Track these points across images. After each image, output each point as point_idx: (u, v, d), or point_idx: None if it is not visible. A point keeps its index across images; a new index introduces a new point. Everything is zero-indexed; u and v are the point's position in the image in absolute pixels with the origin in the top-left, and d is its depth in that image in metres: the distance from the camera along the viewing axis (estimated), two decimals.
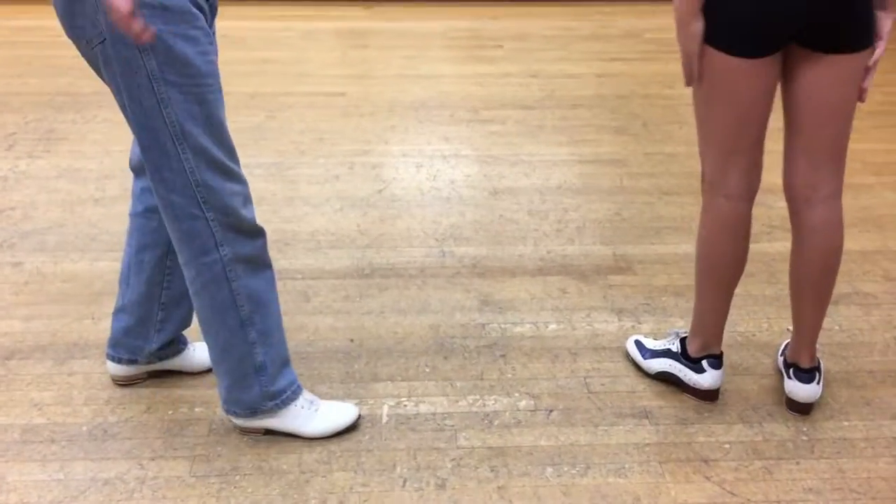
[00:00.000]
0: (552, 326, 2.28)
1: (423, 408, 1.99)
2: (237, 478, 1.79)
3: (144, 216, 1.88)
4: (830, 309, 2.34)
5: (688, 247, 2.65)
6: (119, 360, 2.00)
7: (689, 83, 1.76)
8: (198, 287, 1.72)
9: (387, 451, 1.86)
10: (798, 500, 1.74)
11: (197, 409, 1.97)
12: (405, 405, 2.00)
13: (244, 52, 4.36)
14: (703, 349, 1.99)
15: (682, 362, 2.02)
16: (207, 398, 2.00)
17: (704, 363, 1.99)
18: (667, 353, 2.06)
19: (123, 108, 1.59)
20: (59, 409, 1.96)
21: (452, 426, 1.93)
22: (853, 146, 3.36)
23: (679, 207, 2.90)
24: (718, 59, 1.69)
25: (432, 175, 3.12)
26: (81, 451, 1.84)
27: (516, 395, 2.03)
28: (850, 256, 2.60)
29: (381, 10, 5.27)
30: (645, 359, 2.09)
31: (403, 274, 2.51)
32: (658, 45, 4.62)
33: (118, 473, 1.79)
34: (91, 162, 3.17)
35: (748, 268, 2.52)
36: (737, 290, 2.42)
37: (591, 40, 4.70)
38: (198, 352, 2.07)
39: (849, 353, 2.17)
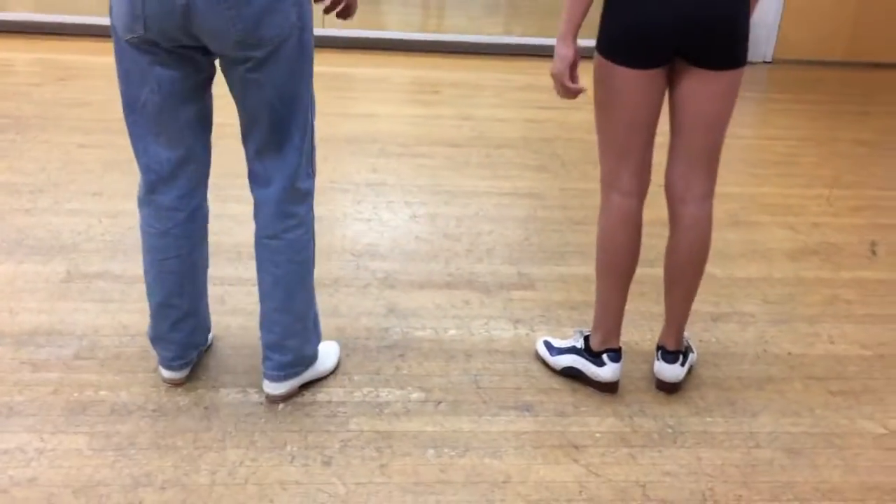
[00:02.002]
0: (451, 332, 2.42)
1: (319, 397, 2.11)
2: (132, 451, 1.88)
3: (189, 221, 1.97)
4: (710, 325, 2.53)
5: (588, 269, 2.83)
6: (190, 363, 2.13)
7: (560, 95, 1.96)
8: (300, 245, 1.96)
9: (280, 432, 1.97)
10: (655, 481, 1.88)
11: (102, 392, 2.07)
12: (303, 394, 2.11)
13: None
14: (603, 343, 2.16)
15: (585, 357, 2.19)
16: (113, 383, 2.10)
17: (605, 357, 2.16)
18: (571, 350, 2.23)
19: (283, 88, 1.79)
20: None
21: (345, 413, 2.05)
22: (753, 190, 3.62)
23: (585, 235, 3.09)
24: (611, 69, 1.91)
25: (357, 200, 3.28)
26: None
27: (409, 388, 2.16)
28: (735, 282, 2.80)
29: (325, 56, 5.49)
30: (552, 356, 2.26)
31: (318, 283, 2.62)
32: (585, 98, 4.88)
33: (18, 445, 1.87)
34: (26, 177, 3.28)
35: (640, 288, 2.70)
36: (627, 307, 2.59)
37: (525, 90, 4.96)
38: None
39: (721, 361, 2.35)
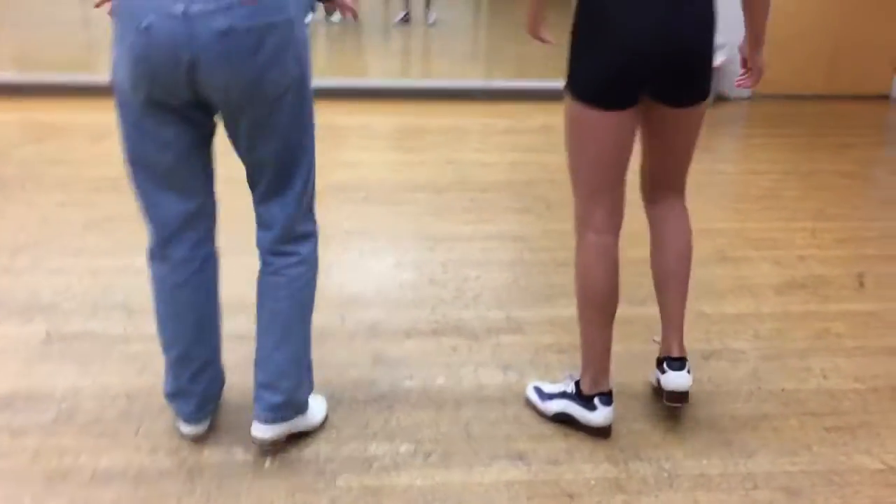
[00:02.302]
0: (440, 380, 2.38)
1: (306, 453, 2.06)
2: None
3: (202, 271, 2.00)
4: (700, 363, 2.50)
5: (575, 310, 2.79)
6: (208, 415, 2.11)
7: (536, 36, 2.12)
8: (301, 283, 1.99)
9: (265, 490, 1.92)
10: None
11: (82, 458, 2.01)
12: (289, 451, 2.06)
13: None
14: (593, 386, 2.13)
15: (576, 402, 2.16)
16: (94, 447, 2.04)
17: (596, 401, 2.12)
18: (563, 395, 2.19)
19: (287, 132, 1.83)
20: None
21: (333, 469, 2.00)
22: (738, 225, 3.61)
23: (571, 276, 3.05)
24: (581, 111, 1.95)
25: (343, 248, 3.26)
26: None
27: (398, 440, 2.11)
28: (725, 318, 2.78)
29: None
30: (542, 402, 2.22)
31: None
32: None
33: None
34: (5, 236, 3.24)
35: (630, 328, 2.68)
36: (617, 349, 2.56)
37: (508, 134, 4.98)
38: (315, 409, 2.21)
39: (714, 400, 2.31)
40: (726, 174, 4.33)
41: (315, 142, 1.96)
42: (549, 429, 2.17)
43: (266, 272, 2.00)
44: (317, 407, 2.17)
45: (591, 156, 1.97)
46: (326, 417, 2.19)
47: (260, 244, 2.00)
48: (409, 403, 2.27)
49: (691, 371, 2.16)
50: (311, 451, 2.06)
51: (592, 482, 1.97)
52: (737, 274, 3.13)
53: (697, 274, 3.09)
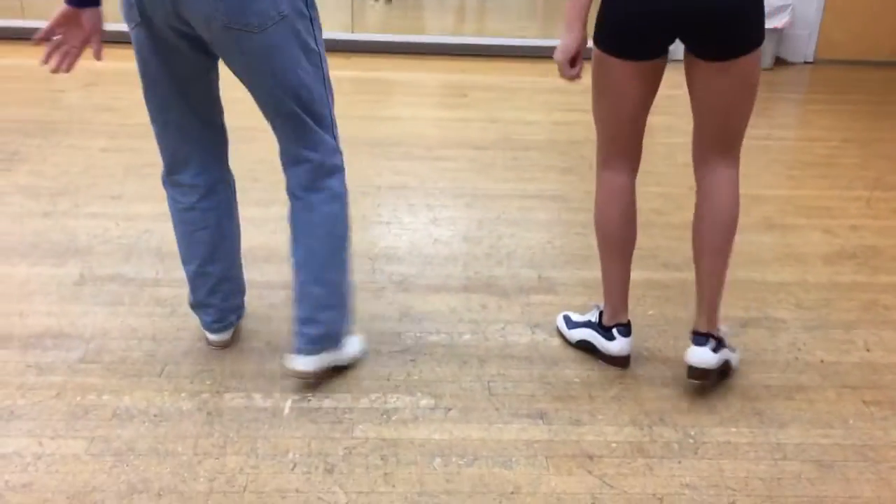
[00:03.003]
0: (466, 337, 2.34)
1: (325, 403, 2.04)
2: (131, 457, 1.83)
3: (210, 195, 2.07)
4: (739, 330, 2.41)
5: None
6: (230, 325, 2.23)
7: (562, 75, 1.99)
8: (335, 219, 1.99)
9: (282, 438, 1.91)
10: (674, 493, 1.78)
11: (104, 397, 2.02)
12: (309, 400, 2.05)
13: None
14: (612, 318, 2.19)
15: (597, 331, 2.23)
16: (117, 387, 2.06)
17: (614, 331, 2.19)
18: (587, 324, 2.27)
19: (284, 73, 1.81)
20: None
21: (351, 419, 1.98)
22: (790, 192, 3.48)
23: None
24: (604, 60, 1.96)
25: (377, 203, 3.22)
26: None
27: (419, 394, 2.09)
28: (767, 286, 2.68)
29: (359, 62, 5.47)
30: (568, 329, 2.31)
31: None
32: None
33: (16, 449, 1.84)
34: (47, 181, 3.28)
35: (665, 292, 2.60)
36: (651, 312, 2.49)
37: (553, 93, 4.87)
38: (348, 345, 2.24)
39: (749, 369, 2.23)
40: (782, 140, 4.17)
41: (329, 79, 1.97)
42: (573, 390, 2.12)
43: (298, 209, 2.00)
44: (352, 344, 2.18)
45: (609, 102, 2.00)
46: (364, 351, 2.23)
47: (290, 182, 2.00)
48: (432, 358, 2.23)
49: (720, 350, 2.07)
50: (330, 401, 2.05)
51: (614, 445, 1.92)
52: (784, 242, 3.01)
53: (741, 240, 2.98)
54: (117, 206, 3.07)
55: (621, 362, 2.20)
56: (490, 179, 3.50)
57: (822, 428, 2.00)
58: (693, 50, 1.89)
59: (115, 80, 4.62)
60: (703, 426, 1.99)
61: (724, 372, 2.16)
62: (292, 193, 2.00)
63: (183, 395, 2.05)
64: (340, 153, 2.02)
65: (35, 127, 3.86)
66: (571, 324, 2.30)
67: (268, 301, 2.48)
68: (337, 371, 2.15)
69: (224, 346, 2.24)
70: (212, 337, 2.23)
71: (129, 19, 1.83)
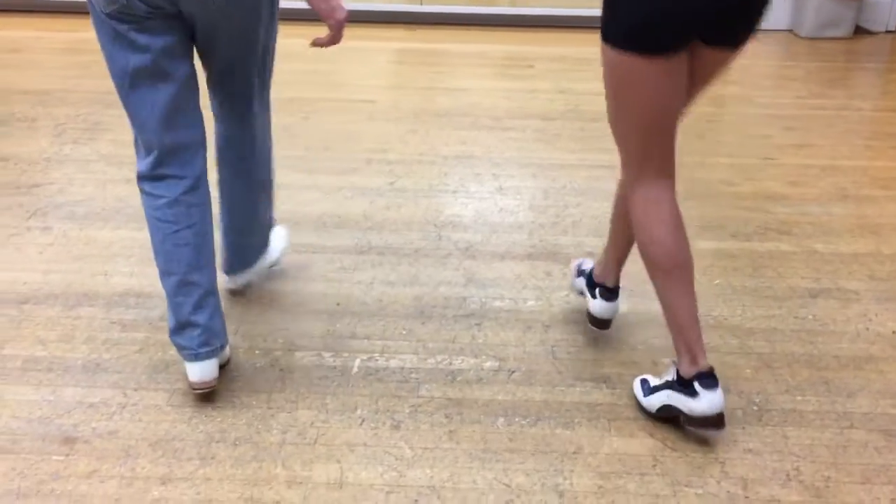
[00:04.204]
0: (530, 303, 2.37)
1: (392, 363, 2.10)
2: (209, 409, 1.92)
3: (195, 189, 1.93)
4: (808, 301, 2.38)
5: None
6: (217, 351, 1.95)
7: None
8: (262, 164, 2.22)
9: (351, 395, 1.98)
10: (736, 457, 1.78)
11: None
12: (376, 360, 2.11)
13: (290, 64, 4.59)
14: (692, 366, 1.82)
15: (677, 390, 1.85)
16: None
17: (696, 385, 1.80)
18: (666, 385, 1.89)
19: (254, 36, 1.93)
20: (60, 345, 2.14)
21: (417, 379, 2.04)
22: (866, 163, 3.39)
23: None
24: (623, 60, 1.67)
25: (443, 172, 3.26)
26: (73, 380, 2.01)
27: (483, 357, 2.13)
28: (840, 258, 2.63)
29: (422, 33, 5.49)
30: (645, 396, 1.93)
31: (398, 252, 2.64)
32: None
33: (103, 399, 1.95)
34: (129, 149, 3.40)
35: (733, 262, 2.58)
36: (718, 281, 2.48)
37: None
38: None
39: (817, 339, 2.21)
40: (860, 111, 4.04)
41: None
42: (636, 356, 2.13)
43: (226, 157, 2.15)
44: (276, 240, 2.46)
45: (640, 109, 1.72)
46: (286, 247, 2.51)
47: (220, 132, 2.13)
48: (497, 322, 2.27)
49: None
50: (396, 361, 2.11)
51: None
52: (858, 213, 2.94)
53: (813, 211, 2.93)
54: None
55: (715, 423, 1.79)
56: (557, 150, 3.50)
57: (891, 398, 1.97)
58: (712, 38, 1.67)
59: None
60: (767, 394, 1.99)
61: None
62: (221, 141, 2.14)
63: (257, 352, 2.13)
64: (267, 106, 2.20)
65: (116, 98, 3.99)
66: (648, 389, 1.92)
67: (338, 265, 2.55)
68: (406, 333, 2.20)
69: (210, 387, 1.92)
70: (196, 373, 1.91)
71: (108, 2, 1.72)
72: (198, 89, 1.93)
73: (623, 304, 2.36)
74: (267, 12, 1.95)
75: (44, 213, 2.85)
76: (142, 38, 1.76)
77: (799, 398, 1.97)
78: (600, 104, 4.08)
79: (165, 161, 1.89)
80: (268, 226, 2.36)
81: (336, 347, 2.15)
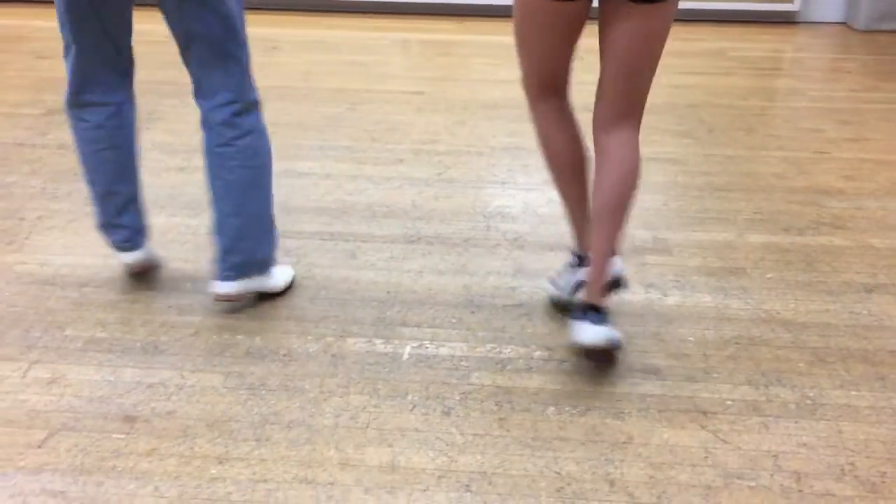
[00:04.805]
0: (579, 295, 2.37)
1: (442, 351, 2.12)
2: (263, 392, 1.96)
3: (117, 115, 2.18)
4: (863, 296, 2.34)
5: (728, 235, 2.69)
6: (140, 244, 2.33)
7: None
8: (254, 151, 2.13)
9: (402, 382, 2.00)
10: (789, 452, 1.77)
11: (238, 336, 2.17)
12: (426, 347, 2.13)
13: (336, 56, 4.65)
14: (586, 248, 2.07)
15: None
16: (249, 329, 2.20)
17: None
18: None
19: (225, 18, 1.99)
20: (119, 327, 2.20)
21: (467, 367, 2.06)
22: None
23: (728, 202, 2.94)
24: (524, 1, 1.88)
25: (492, 163, 3.27)
26: (132, 361, 2.06)
27: (532, 346, 2.14)
28: (894, 253, 2.59)
29: (471, 25, 5.49)
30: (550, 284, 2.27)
31: (447, 242, 2.66)
32: (739, 62, 4.64)
33: (161, 380, 2.00)
34: (182, 138, 3.47)
35: (785, 256, 2.55)
36: (771, 276, 2.45)
37: (673, 56, 4.76)
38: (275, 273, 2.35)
39: (872, 334, 2.17)
40: None
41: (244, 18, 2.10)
42: (687, 348, 2.12)
43: (215, 143, 2.12)
44: (281, 273, 2.33)
45: (535, 44, 1.93)
46: (291, 284, 2.37)
47: (205, 117, 2.13)
48: (546, 313, 2.28)
49: (609, 320, 1.98)
50: (446, 349, 2.12)
51: (729, 402, 1.92)
52: None
53: (869, 206, 2.88)
54: None
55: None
56: None
57: None
58: None
59: None
60: (821, 388, 1.97)
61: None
62: (208, 128, 2.12)
63: (309, 338, 2.17)
64: (257, 90, 2.15)
65: (170, 88, 4.07)
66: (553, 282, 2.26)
67: (387, 254, 2.58)
68: (456, 321, 2.22)
69: (143, 269, 2.34)
70: (125, 257, 2.31)
71: None
72: (127, 28, 2.12)
73: (672, 296, 2.36)
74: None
75: None
76: None
77: (853, 393, 1.95)
78: (650, 96, 4.06)
79: (85, 89, 2.12)
80: (267, 228, 2.25)
81: (387, 334, 2.18)
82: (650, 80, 1.94)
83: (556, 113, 2.06)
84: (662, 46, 1.88)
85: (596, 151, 2.00)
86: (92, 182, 2.23)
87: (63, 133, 3.47)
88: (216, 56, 2.04)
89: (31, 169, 3.12)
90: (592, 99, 2.02)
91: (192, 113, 3.82)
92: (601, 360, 2.01)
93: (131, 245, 2.30)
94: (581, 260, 2.15)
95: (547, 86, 2.03)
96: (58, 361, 2.05)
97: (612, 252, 1.97)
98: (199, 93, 2.13)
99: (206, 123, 2.13)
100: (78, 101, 2.14)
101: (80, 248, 2.58)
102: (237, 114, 2.10)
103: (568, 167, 2.08)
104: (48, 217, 2.77)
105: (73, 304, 2.29)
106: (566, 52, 1.96)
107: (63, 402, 1.92)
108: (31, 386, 1.97)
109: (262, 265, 2.24)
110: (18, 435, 1.82)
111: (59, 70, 4.06)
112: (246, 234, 2.18)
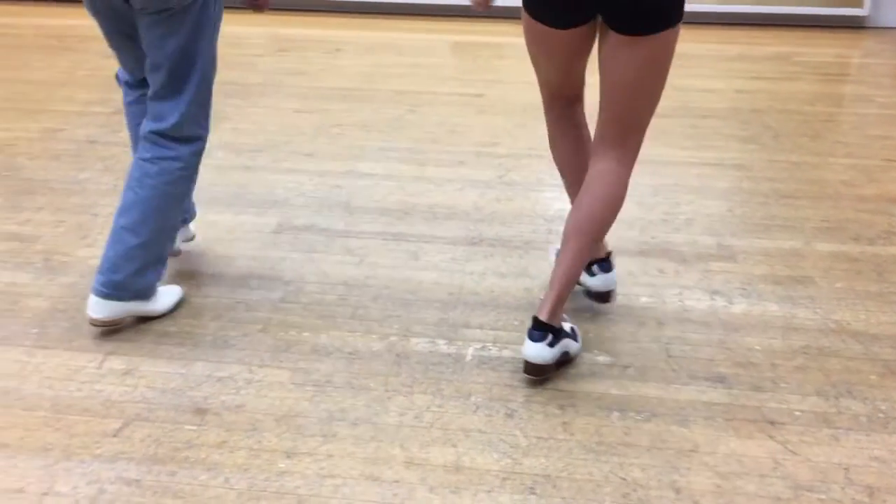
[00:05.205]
0: (643, 299, 2.36)
1: (505, 353, 2.13)
2: (329, 389, 1.99)
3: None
4: None
5: (796, 243, 2.65)
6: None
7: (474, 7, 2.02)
8: (174, 177, 2.14)
9: (465, 383, 2.02)
10: (861, 465, 1.74)
11: (304, 334, 2.20)
12: (489, 349, 2.14)
13: (396, 58, 4.69)
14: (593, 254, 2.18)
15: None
16: (314, 326, 2.23)
17: (595, 267, 2.22)
18: None
19: (185, 46, 2.07)
20: (189, 321, 2.25)
21: None
22: None
23: (794, 209, 2.89)
24: (526, 19, 1.95)
25: (552, 166, 3.25)
26: (203, 355, 2.11)
27: (596, 351, 2.13)
28: None
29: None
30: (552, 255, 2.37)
31: (509, 245, 2.66)
32: (805, 67, 4.56)
33: (230, 374, 2.04)
34: (246, 137, 3.54)
35: (855, 265, 2.50)
36: (839, 286, 2.41)
37: (736, 60, 4.70)
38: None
39: None
40: None
41: (215, 55, 2.19)
42: (754, 357, 2.10)
43: (141, 157, 2.15)
44: (167, 296, 2.27)
45: (540, 62, 2.02)
46: (177, 305, 2.30)
47: (143, 130, 2.16)
48: (609, 318, 2.27)
49: (557, 342, 1.97)
50: (509, 351, 2.13)
51: (797, 413, 1.89)
52: None
53: None
54: (309, 163, 3.28)
55: (603, 297, 2.23)
56: (667, 146, 3.45)
57: None
58: (607, 20, 1.84)
59: (304, 47, 4.89)
60: (894, 401, 1.93)
61: (562, 362, 2.04)
62: (142, 141, 2.15)
63: (373, 336, 2.20)
64: (206, 128, 2.21)
65: (234, 88, 4.15)
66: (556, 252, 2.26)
67: (449, 255, 2.60)
68: (518, 324, 2.23)
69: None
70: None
71: None
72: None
73: (738, 304, 2.33)
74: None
75: None
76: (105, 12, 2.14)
77: None
78: (710, 101, 4.04)
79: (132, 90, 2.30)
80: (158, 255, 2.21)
81: (450, 335, 2.19)
82: (645, 112, 1.94)
83: (565, 121, 2.14)
84: (659, 77, 1.89)
85: (587, 175, 2.03)
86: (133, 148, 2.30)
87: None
88: (172, 85, 2.12)
89: (103, 166, 3.21)
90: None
91: (255, 113, 3.91)
92: (536, 375, 1.98)
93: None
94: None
95: (557, 97, 2.11)
96: (132, 353, 2.11)
97: (575, 273, 1.97)
98: (149, 114, 2.18)
99: (142, 136, 2.18)
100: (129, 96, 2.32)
101: None
102: (172, 138, 2.15)
103: (568, 171, 2.17)
104: None
105: None
106: (574, 69, 2.03)
107: (137, 392, 1.97)
108: (107, 376, 2.03)
109: (142, 293, 2.17)
110: (95, 424, 1.87)
111: None
112: (134, 255, 2.11)
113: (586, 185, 1.99)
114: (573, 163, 2.16)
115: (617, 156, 1.97)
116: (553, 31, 1.90)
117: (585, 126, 2.15)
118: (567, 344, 2.03)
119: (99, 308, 2.13)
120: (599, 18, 1.88)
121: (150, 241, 2.14)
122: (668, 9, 1.80)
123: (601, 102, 1.96)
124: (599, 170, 1.98)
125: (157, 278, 2.22)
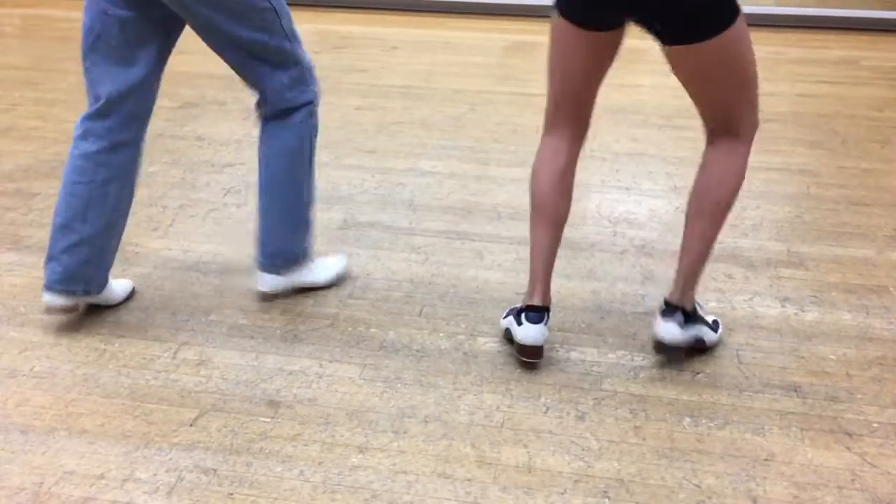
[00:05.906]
0: (711, 304, 2.33)
1: (573, 355, 2.12)
2: (398, 385, 2.01)
3: (111, 151, 2.07)
4: None
5: (868, 251, 2.60)
6: (73, 293, 2.13)
7: None
8: (296, 147, 2.19)
9: (534, 383, 2.01)
10: None
11: (372, 330, 2.22)
12: (557, 350, 2.14)
13: (454, 56, 4.70)
14: (528, 297, 2.05)
15: (514, 315, 2.07)
16: (382, 322, 2.25)
17: (522, 315, 2.03)
18: (512, 311, 2.14)
19: (233, 34, 2.03)
20: (259, 315, 2.28)
21: (599, 372, 2.05)
22: None
23: (866, 217, 2.83)
24: (555, 19, 1.91)
25: (616, 169, 3.24)
26: (273, 348, 2.14)
27: (665, 356, 2.11)
28: None
29: None
30: (503, 318, 2.19)
31: (574, 247, 2.65)
32: (874, 72, 4.47)
33: (301, 368, 2.07)
34: None
35: None
36: (887, 304, 2.36)
37: (799, 64, 4.62)
38: (115, 287, 2.29)
39: None
40: None
41: (292, 30, 2.13)
42: (828, 366, 2.06)
43: (263, 138, 2.22)
44: (326, 266, 2.38)
45: (558, 67, 1.95)
46: (339, 280, 2.41)
47: (257, 113, 2.21)
48: None
49: (690, 325, 2.01)
50: (577, 353, 2.12)
51: (875, 425, 1.86)
52: None
53: None
54: (372, 160, 3.30)
55: (528, 352, 2.01)
56: None
57: None
58: (656, 35, 1.80)
59: (361, 44, 4.92)
60: None
61: (697, 349, 2.08)
62: (260, 124, 2.22)
63: (441, 334, 2.21)
64: (309, 90, 2.19)
65: None
66: (506, 311, 2.18)
67: (514, 255, 2.60)
68: (585, 326, 2.22)
69: (61, 311, 2.14)
70: (46, 297, 2.10)
71: None
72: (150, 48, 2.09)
73: (810, 312, 2.29)
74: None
75: (237, 190, 3.03)
76: (115, 12, 2.00)
77: None
78: (773, 104, 3.98)
79: (100, 114, 2.06)
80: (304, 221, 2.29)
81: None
82: (738, 97, 1.89)
83: (553, 151, 2.02)
84: (733, 68, 1.81)
85: (702, 159, 2.03)
86: (55, 212, 2.11)
87: (199, 125, 3.62)
88: (246, 74, 2.15)
89: (171, 159, 3.27)
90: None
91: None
92: (664, 352, 2.03)
93: (60, 289, 2.10)
94: (525, 309, 2.04)
95: (562, 113, 2.00)
96: (205, 345, 2.15)
97: (704, 254, 1.99)
98: (256, 97, 2.22)
99: (258, 119, 2.25)
100: (83, 125, 2.08)
101: (219, 237, 2.69)
102: (282, 112, 2.19)
103: (539, 208, 2.03)
104: (189, 206, 2.90)
105: (216, 291, 2.39)
106: (590, 81, 1.96)
107: (211, 383, 2.01)
108: (181, 367, 2.07)
109: (295, 260, 2.30)
110: (171, 412, 1.91)
111: (192, 64, 4.25)
112: (277, 227, 2.26)
113: (702, 166, 1.99)
114: (544, 202, 2.02)
115: (731, 137, 1.95)
116: (578, 31, 1.85)
117: (572, 174, 2.04)
118: (702, 330, 2.07)
119: (264, 282, 2.30)
120: (626, 28, 1.88)
121: (289, 209, 2.26)
122: (709, 6, 1.74)
123: (694, 101, 1.95)
124: (715, 146, 1.97)
125: (306, 243, 2.32)
